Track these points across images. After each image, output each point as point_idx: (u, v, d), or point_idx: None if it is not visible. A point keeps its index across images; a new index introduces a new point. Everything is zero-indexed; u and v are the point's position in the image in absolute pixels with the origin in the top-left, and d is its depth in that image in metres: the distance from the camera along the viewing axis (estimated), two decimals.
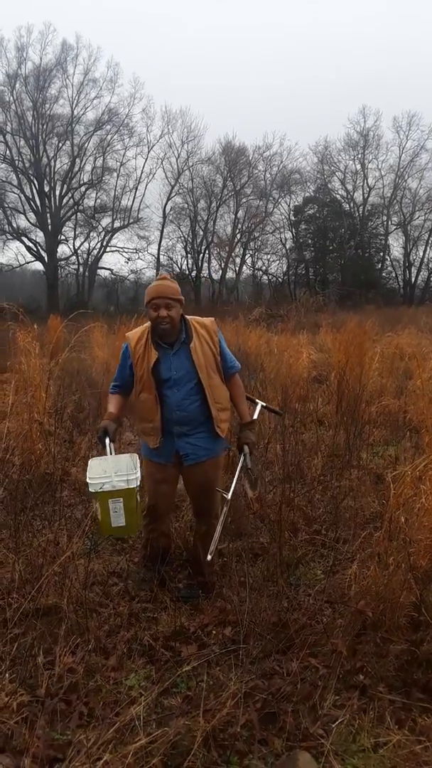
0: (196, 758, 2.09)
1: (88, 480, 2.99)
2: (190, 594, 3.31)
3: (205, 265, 41.28)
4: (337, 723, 2.31)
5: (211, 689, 2.45)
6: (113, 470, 3.00)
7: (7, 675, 2.47)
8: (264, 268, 42.94)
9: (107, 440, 3.14)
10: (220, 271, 41.55)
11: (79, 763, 2.01)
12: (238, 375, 3.42)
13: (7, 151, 35.68)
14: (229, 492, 3.24)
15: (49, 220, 36.84)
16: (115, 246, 39.65)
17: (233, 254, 41.59)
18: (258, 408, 3.76)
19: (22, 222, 36.88)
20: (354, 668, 2.62)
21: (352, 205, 42.43)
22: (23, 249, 37.23)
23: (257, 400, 3.78)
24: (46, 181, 36.87)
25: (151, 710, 2.34)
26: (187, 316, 3.25)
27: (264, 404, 3.80)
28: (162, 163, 40.19)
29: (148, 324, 3.22)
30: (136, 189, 39.34)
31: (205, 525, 3.39)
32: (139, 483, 3.00)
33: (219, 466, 3.41)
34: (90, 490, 2.96)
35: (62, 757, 2.09)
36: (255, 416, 3.62)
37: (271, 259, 42.98)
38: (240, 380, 3.44)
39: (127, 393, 3.34)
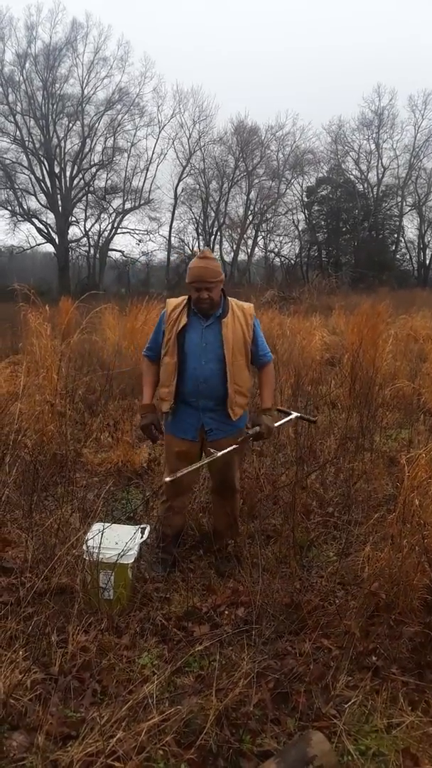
0: (209, 736, 2.09)
1: (86, 541, 2.99)
2: (228, 566, 3.39)
3: (217, 246, 41.02)
4: (349, 704, 2.31)
5: (223, 669, 2.45)
6: (114, 540, 3.01)
7: (20, 653, 2.48)
8: (276, 249, 42.71)
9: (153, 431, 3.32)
10: (232, 253, 41.25)
11: (92, 740, 2.02)
12: (272, 366, 3.47)
13: (17, 132, 35.51)
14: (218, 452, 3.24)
15: (59, 202, 36.70)
16: (126, 228, 39.59)
17: (245, 236, 41.34)
18: (291, 417, 3.69)
19: (32, 203, 36.86)
20: (367, 649, 2.61)
21: (366, 185, 41.93)
22: (34, 231, 37.28)
23: (292, 412, 3.70)
24: (56, 162, 36.67)
25: (163, 689, 2.35)
26: (229, 297, 3.31)
27: (298, 414, 3.70)
28: (173, 143, 39.91)
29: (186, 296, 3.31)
30: (147, 170, 39.12)
31: (227, 504, 3.48)
32: (134, 558, 3.03)
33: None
34: (83, 556, 2.96)
35: (75, 734, 2.10)
36: (283, 422, 3.65)
37: (283, 241, 42.73)
38: (272, 370, 3.49)
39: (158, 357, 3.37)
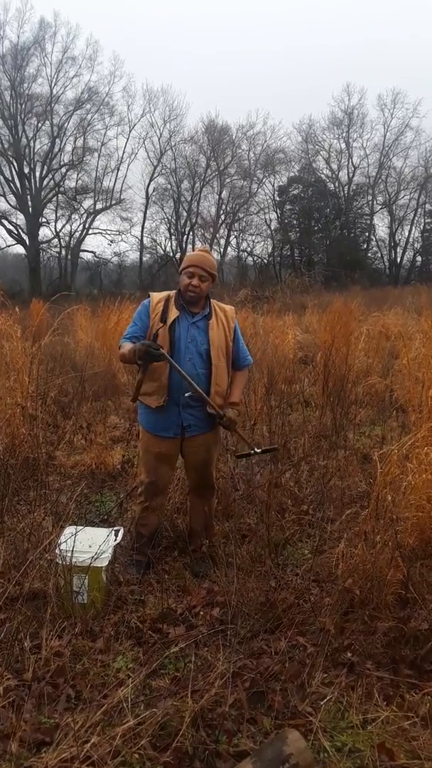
0: (185, 738, 2.08)
1: (59, 545, 2.94)
2: (203, 567, 3.39)
3: (189, 246, 40.90)
4: (325, 700, 2.32)
5: (199, 670, 2.44)
6: (87, 542, 2.98)
7: None
8: (249, 249, 42.83)
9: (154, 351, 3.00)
10: None
11: (66, 746, 1.99)
12: (247, 370, 3.55)
13: None
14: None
15: (29, 203, 36.22)
16: (98, 228, 39.23)
17: (218, 235, 41.37)
18: (255, 453, 3.53)
19: (2, 204, 36.20)
20: (342, 646, 2.62)
21: (337, 184, 42.28)
22: (4, 232, 36.67)
23: (255, 449, 3.51)
24: (25, 163, 36.16)
25: (139, 692, 2.33)
26: (211, 300, 3.36)
27: (260, 450, 3.55)
28: (144, 142, 39.72)
29: (172, 291, 3.32)
30: (118, 170, 38.84)
31: (205, 504, 3.49)
32: (108, 561, 3.00)
33: (219, 440, 3.54)
34: (56, 559, 2.91)
35: (50, 740, 2.07)
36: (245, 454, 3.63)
37: (255, 240, 42.83)
38: (246, 374, 3.56)
39: None
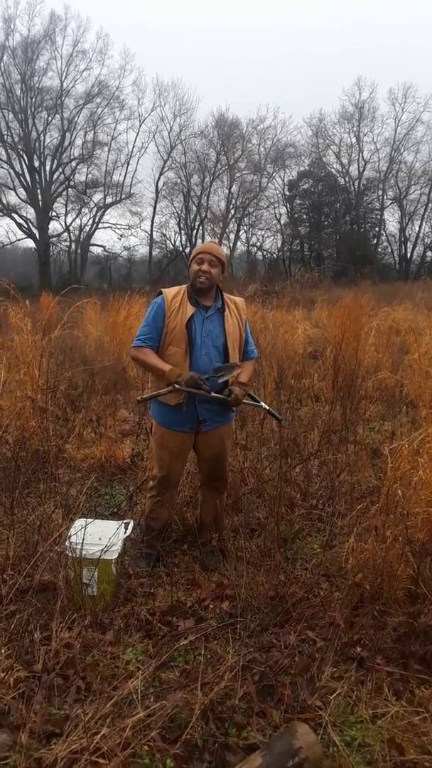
0: (195, 731, 2.09)
1: (68, 537, 2.94)
2: (213, 560, 3.39)
3: (199, 241, 40.87)
4: (335, 695, 2.32)
5: (208, 663, 2.44)
6: (97, 535, 2.99)
7: (3, 651, 2.46)
8: (258, 243, 42.66)
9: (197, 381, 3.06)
10: None
11: (76, 738, 2.00)
12: (254, 362, 3.58)
13: None
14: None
15: (39, 196, 36.28)
16: (108, 222, 39.23)
17: (227, 230, 41.24)
18: (261, 406, 3.56)
19: (12, 198, 36.29)
20: (351, 640, 2.62)
21: (347, 179, 42.03)
22: (14, 226, 36.75)
23: (262, 403, 3.55)
24: (35, 156, 36.21)
25: (148, 684, 2.33)
26: (222, 292, 3.35)
27: (267, 407, 3.56)
28: (154, 137, 39.76)
29: (183, 286, 3.30)
30: (128, 164, 38.82)
31: (217, 497, 3.50)
32: (118, 554, 3.00)
33: (232, 433, 3.57)
34: (66, 552, 2.92)
35: (59, 731, 2.08)
36: (250, 403, 3.56)
37: (265, 235, 42.65)
38: (254, 364, 3.58)
39: (157, 348, 3.24)
